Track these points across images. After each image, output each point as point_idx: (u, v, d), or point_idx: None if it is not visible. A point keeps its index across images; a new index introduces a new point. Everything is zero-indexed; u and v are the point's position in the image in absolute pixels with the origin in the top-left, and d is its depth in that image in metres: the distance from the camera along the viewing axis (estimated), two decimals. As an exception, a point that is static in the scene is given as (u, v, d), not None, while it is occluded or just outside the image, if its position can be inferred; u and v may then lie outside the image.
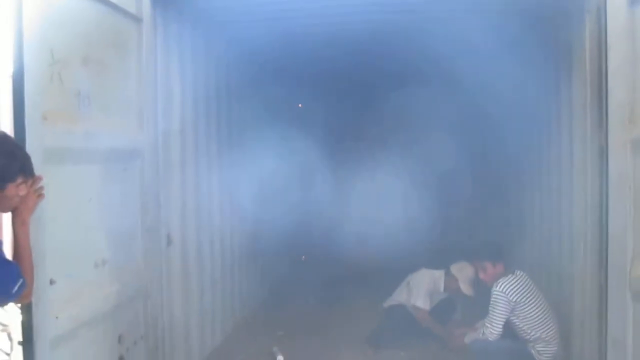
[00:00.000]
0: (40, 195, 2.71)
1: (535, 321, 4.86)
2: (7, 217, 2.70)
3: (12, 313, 6.00)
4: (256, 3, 5.10)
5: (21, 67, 2.92)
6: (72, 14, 3.42)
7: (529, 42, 5.94)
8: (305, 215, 9.59)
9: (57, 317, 3.16)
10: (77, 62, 3.49)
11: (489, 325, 4.91)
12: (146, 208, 4.37)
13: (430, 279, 6.18)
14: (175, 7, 4.88)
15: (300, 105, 10.10)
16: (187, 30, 5.20)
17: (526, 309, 4.85)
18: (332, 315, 7.08)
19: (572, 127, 4.81)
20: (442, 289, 6.14)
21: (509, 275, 4.92)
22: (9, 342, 5.88)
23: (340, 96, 10.22)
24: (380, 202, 10.36)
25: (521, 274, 4.98)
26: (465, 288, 5.84)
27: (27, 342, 3.01)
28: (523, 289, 4.86)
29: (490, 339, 4.89)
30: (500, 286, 4.86)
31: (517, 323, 4.90)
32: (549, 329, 4.87)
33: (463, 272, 5.89)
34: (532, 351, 4.88)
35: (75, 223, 3.46)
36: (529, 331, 4.87)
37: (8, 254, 2.53)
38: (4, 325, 6.10)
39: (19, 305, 3.00)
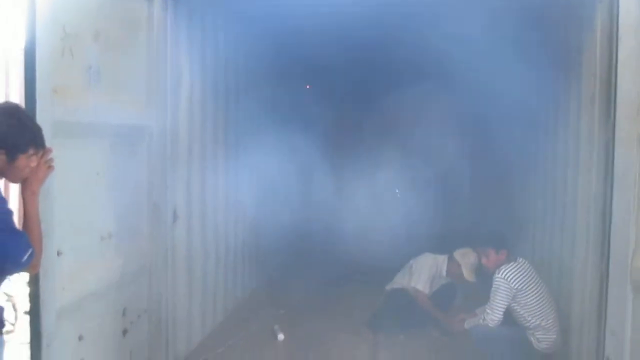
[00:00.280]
0: (50, 167, 2.74)
1: (536, 309, 4.88)
2: (17, 188, 2.74)
3: (17, 284, 6.09)
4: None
5: (33, 40, 2.94)
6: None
7: (539, 33, 5.91)
8: (311, 198, 9.63)
9: (63, 288, 3.22)
10: (89, 37, 3.52)
11: (489, 312, 4.93)
12: (153, 184, 4.42)
13: (433, 263, 6.23)
14: (186, -15, 4.88)
15: (308, 86, 10.11)
16: (197, 10, 5.19)
17: (527, 297, 4.87)
18: (334, 297, 7.14)
19: (579, 119, 4.80)
20: (444, 273, 6.18)
21: (511, 263, 4.94)
22: (13, 312, 5.97)
23: (355, 85, 10.18)
24: (389, 190, 10.39)
25: (523, 261, 5.00)
26: (468, 274, 5.88)
27: (34, 313, 3.06)
28: (525, 276, 4.89)
29: (490, 325, 4.91)
30: (502, 273, 4.88)
31: (518, 310, 4.92)
32: (548, 316, 4.89)
33: (466, 258, 5.92)
34: (532, 338, 4.91)
35: (83, 196, 3.52)
36: (529, 318, 4.89)
37: (18, 224, 2.57)
38: (8, 295, 6.18)
39: (27, 275, 3.04)
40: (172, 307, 4.84)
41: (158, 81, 4.44)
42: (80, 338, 3.47)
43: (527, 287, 4.86)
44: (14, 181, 2.68)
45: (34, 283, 3.04)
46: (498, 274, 4.91)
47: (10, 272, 2.59)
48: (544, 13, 5.32)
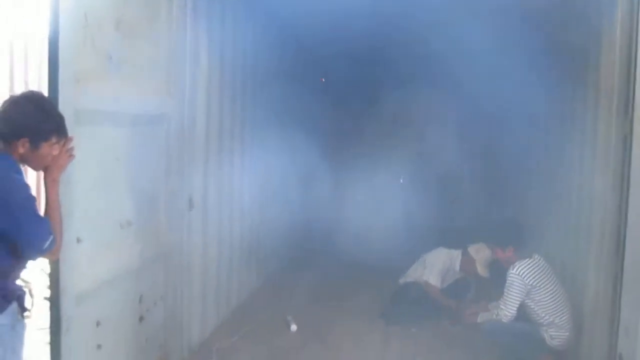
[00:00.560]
0: (71, 156, 2.80)
1: (550, 306, 4.87)
2: (41, 175, 2.78)
3: (33, 270, 6.16)
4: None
5: (56, 29, 2.97)
6: (106, -22, 3.47)
7: (556, 29, 5.86)
8: (324, 192, 9.65)
9: (82, 275, 3.26)
10: (110, 26, 3.55)
11: (503, 307, 4.93)
12: (170, 172, 4.46)
13: (447, 257, 6.25)
14: (206, -25, 4.90)
15: (322, 79, 10.13)
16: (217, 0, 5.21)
17: (541, 293, 4.86)
18: (347, 290, 7.17)
19: (596, 116, 4.76)
20: (457, 268, 6.19)
21: (526, 259, 4.93)
22: (30, 299, 6.04)
23: (371, 82, 10.19)
24: (402, 187, 10.41)
25: (538, 257, 4.98)
26: (481, 269, 5.89)
27: (54, 298, 3.11)
28: (539, 273, 4.87)
29: (503, 320, 4.91)
30: (517, 269, 4.87)
31: (532, 306, 4.91)
32: (562, 314, 4.88)
33: (480, 253, 5.93)
34: (545, 335, 4.90)
35: (103, 184, 3.56)
36: (543, 315, 4.88)
37: (40, 211, 2.61)
38: (25, 281, 6.25)
39: (44, 261, 3.09)
40: (188, 295, 4.89)
41: (177, 70, 4.47)
42: (97, 324, 3.52)
43: (541, 284, 4.85)
44: (36, 169, 2.73)
45: (54, 269, 3.09)
46: (512, 269, 4.90)
47: (32, 258, 2.64)
48: (562, 10, 5.28)
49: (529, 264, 4.89)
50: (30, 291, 6.16)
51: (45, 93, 2.93)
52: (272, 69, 7.09)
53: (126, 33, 3.72)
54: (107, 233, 3.63)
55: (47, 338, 3.19)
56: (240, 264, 6.36)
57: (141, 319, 4.12)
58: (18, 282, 2.71)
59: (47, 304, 3.26)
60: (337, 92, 10.32)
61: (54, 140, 2.63)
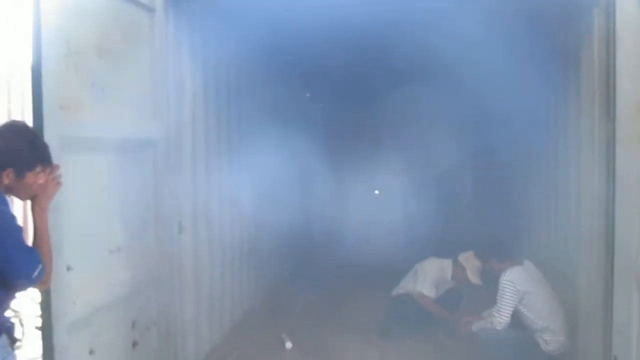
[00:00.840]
0: (58, 184, 2.77)
1: (543, 311, 4.88)
2: (27, 205, 2.77)
3: (23, 300, 6.11)
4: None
5: (39, 58, 2.98)
6: (87, 5, 3.48)
7: (538, 35, 5.93)
8: (316, 204, 9.66)
9: (74, 303, 3.24)
10: (92, 53, 3.56)
11: (496, 315, 4.94)
12: (159, 196, 4.44)
13: (438, 267, 6.24)
14: (187, -2, 4.92)
15: (307, 94, 10.15)
16: (198, 22, 5.22)
17: (534, 299, 4.88)
18: (341, 303, 7.15)
19: (579, 119, 4.81)
20: (449, 277, 6.19)
21: (517, 265, 4.95)
22: (20, 328, 5.98)
23: (357, 86, 10.21)
24: (394, 193, 10.43)
25: (529, 264, 5.01)
26: (473, 277, 5.89)
27: (46, 328, 3.09)
28: (531, 279, 4.89)
29: (498, 328, 4.92)
30: (508, 275, 4.89)
31: (525, 312, 4.93)
32: (556, 319, 4.90)
33: (470, 261, 5.93)
34: (540, 340, 4.91)
35: (91, 210, 3.54)
36: (537, 321, 4.90)
37: (28, 241, 2.60)
38: (15, 311, 6.20)
39: (35, 291, 3.07)
40: (181, 318, 4.85)
41: (161, 94, 4.47)
42: (91, 352, 3.48)
43: (533, 290, 4.87)
44: (23, 198, 2.71)
45: (45, 298, 3.06)
46: (504, 276, 4.92)
47: (21, 289, 2.62)
48: (542, 15, 5.34)
49: (520, 270, 4.91)
50: (20, 321, 6.11)
51: (30, 121, 2.93)
52: (257, 83, 7.11)
53: (109, 59, 3.72)
54: (97, 260, 3.62)
55: (40, 368, 3.17)
56: (233, 283, 6.33)
57: (135, 344, 4.08)
58: (7, 312, 2.68)
59: (39, 333, 3.23)
60: (330, 98, 10.33)
61: (38, 169, 2.62)
